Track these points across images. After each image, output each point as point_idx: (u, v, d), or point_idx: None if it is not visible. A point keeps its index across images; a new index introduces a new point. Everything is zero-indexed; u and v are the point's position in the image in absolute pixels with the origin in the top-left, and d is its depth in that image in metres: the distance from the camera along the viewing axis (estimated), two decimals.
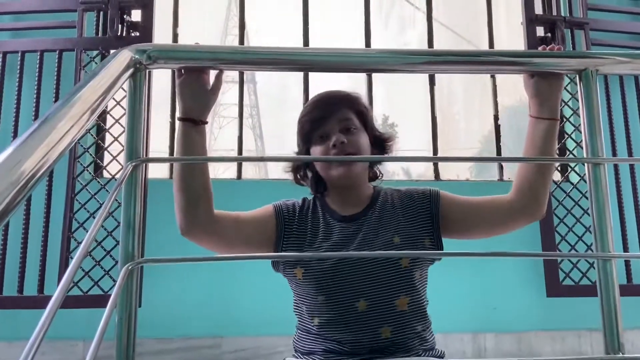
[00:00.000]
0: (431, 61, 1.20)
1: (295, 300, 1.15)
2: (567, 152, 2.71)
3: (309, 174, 1.21)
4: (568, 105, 2.77)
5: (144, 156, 1.02)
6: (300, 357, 1.07)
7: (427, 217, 1.14)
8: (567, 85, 2.63)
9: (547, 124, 1.08)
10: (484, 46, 3.19)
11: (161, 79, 2.89)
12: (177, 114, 1.05)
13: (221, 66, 1.23)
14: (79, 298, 2.33)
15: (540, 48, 1.16)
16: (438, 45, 3.13)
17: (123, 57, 1.03)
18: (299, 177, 1.23)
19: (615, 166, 2.74)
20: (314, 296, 1.06)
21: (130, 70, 1.02)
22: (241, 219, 1.13)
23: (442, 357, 1.17)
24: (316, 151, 1.14)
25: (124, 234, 0.95)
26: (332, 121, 1.13)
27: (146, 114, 1.10)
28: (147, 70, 1.07)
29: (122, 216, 0.96)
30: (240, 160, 2.93)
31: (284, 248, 1.11)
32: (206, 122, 1.05)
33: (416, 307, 1.10)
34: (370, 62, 1.19)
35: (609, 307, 1.00)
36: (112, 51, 2.56)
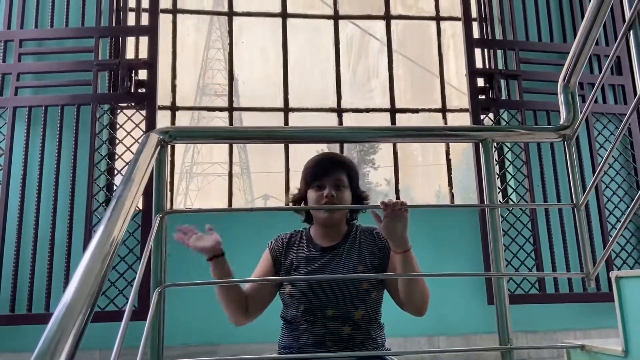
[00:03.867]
0: (383, 135, 1.73)
1: (284, 307, 1.57)
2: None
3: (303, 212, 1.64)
4: (507, 158, 3.32)
5: (166, 209, 1.48)
6: (283, 351, 1.53)
7: (377, 254, 1.54)
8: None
9: (402, 256, 1.37)
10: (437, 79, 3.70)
11: None
12: (207, 257, 1.45)
13: (219, 141, 1.73)
14: (97, 314, 2.78)
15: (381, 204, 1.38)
16: (398, 86, 3.66)
17: (153, 139, 1.49)
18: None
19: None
20: (297, 305, 1.49)
21: (158, 148, 1.48)
22: (262, 285, 1.53)
23: (388, 350, 1.58)
24: (311, 195, 1.53)
25: (154, 266, 1.39)
26: (329, 178, 1.52)
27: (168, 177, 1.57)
28: (169, 146, 1.54)
29: (152, 253, 1.40)
30: (236, 210, 3.41)
31: (280, 272, 1.55)
32: (223, 253, 1.45)
33: (370, 317, 1.49)
34: (336, 137, 1.73)
35: (502, 311, 1.45)
36: (121, 105, 3.04)
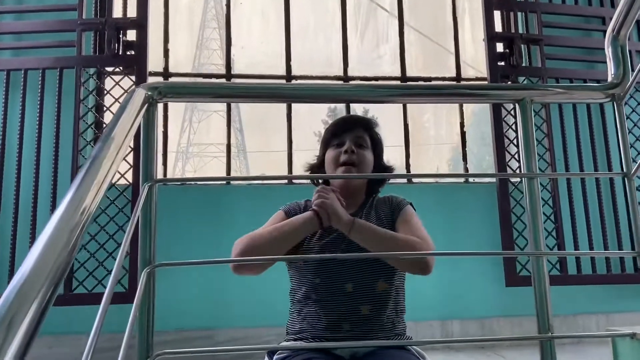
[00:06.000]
0: (399, 94, 1.47)
1: (293, 284, 1.39)
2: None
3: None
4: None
5: (155, 177, 1.25)
6: (292, 338, 1.32)
7: (392, 223, 1.39)
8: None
9: (354, 234, 1.27)
10: (451, 46, 3.45)
11: None
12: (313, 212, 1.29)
13: (217, 99, 1.48)
14: (83, 296, 2.56)
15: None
16: (409, 52, 3.40)
17: (139, 95, 1.25)
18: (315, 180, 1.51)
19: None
20: (312, 279, 1.31)
21: (146, 106, 1.25)
22: None
23: (409, 339, 1.38)
24: (329, 154, 1.39)
25: (142, 243, 1.18)
26: (349, 134, 1.39)
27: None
28: (158, 104, 1.30)
29: (139, 228, 1.18)
30: (232, 179, 3.18)
31: None
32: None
33: (393, 292, 1.33)
34: (345, 95, 1.46)
35: (541, 295, 1.26)
36: (108, 69, 2.78)
